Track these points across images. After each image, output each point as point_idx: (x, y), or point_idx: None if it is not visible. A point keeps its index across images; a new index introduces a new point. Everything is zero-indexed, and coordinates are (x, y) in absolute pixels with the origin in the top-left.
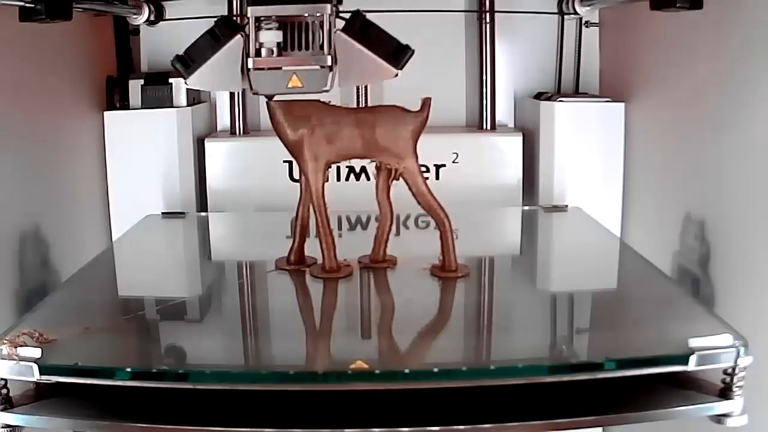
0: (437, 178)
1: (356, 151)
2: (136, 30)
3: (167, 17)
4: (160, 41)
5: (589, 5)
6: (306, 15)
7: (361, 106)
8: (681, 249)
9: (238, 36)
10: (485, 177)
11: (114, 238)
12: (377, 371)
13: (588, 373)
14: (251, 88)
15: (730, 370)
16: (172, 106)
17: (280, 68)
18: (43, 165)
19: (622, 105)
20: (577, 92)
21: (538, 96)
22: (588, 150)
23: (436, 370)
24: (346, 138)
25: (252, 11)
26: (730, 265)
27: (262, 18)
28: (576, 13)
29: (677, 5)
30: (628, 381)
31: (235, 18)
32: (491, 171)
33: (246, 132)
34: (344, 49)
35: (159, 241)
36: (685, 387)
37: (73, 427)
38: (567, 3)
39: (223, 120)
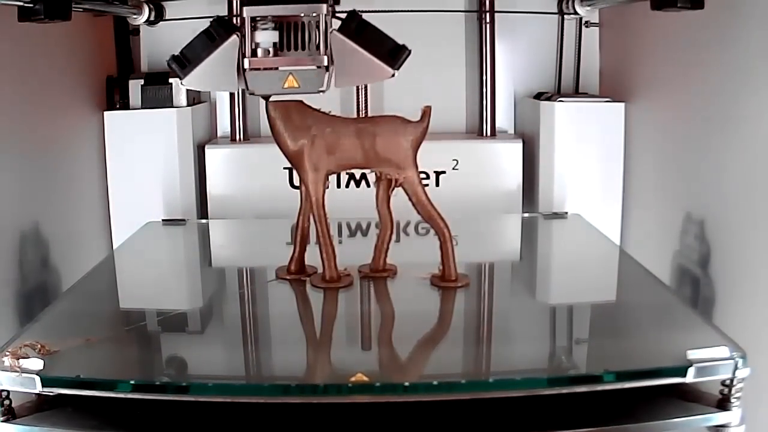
0: (437, 185)
1: (356, 162)
2: (136, 30)
3: (167, 17)
4: (160, 41)
5: (589, 5)
6: (302, 15)
7: (361, 109)
8: (681, 249)
9: (234, 36)
10: (485, 184)
11: (114, 238)
12: (377, 384)
13: (587, 386)
14: (247, 89)
15: (728, 382)
16: (172, 106)
17: (276, 68)
18: (43, 165)
19: (622, 105)
20: (577, 92)
21: (538, 96)
22: (588, 150)
23: (435, 383)
24: (346, 148)
25: (248, 11)
26: (730, 266)
27: (258, 18)
28: (576, 13)
29: (678, 5)
30: (627, 392)
31: (234, 18)
32: (491, 178)
33: (246, 138)
34: (340, 50)
35: (160, 249)
36: (684, 398)
37: None
38: (567, 3)
39: (224, 126)
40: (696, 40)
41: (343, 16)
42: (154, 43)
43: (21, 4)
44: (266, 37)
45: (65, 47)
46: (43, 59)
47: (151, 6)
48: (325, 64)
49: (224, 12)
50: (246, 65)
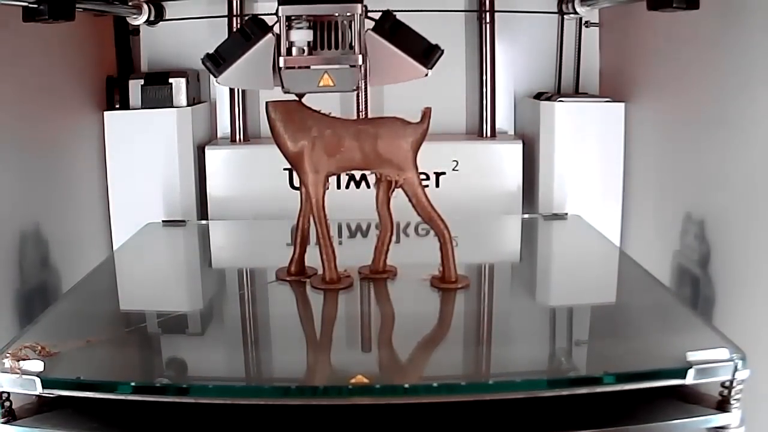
0: (437, 185)
1: (356, 163)
2: (136, 30)
3: (167, 17)
4: (160, 41)
5: (589, 5)
6: (336, 14)
7: (361, 110)
8: (681, 249)
9: (269, 35)
10: (485, 185)
11: (114, 239)
12: (377, 386)
13: (587, 387)
14: (282, 87)
15: (727, 383)
16: (172, 106)
17: (309, 67)
18: (43, 165)
19: (622, 105)
20: (577, 92)
21: (538, 96)
22: (588, 150)
23: (435, 384)
24: (346, 150)
25: (283, 10)
26: (730, 266)
27: (293, 17)
28: (576, 13)
29: (674, 5)
30: (627, 394)
31: (234, 18)
32: (491, 179)
33: (246, 139)
34: (375, 49)
35: (160, 250)
36: (684, 400)
37: None
38: (567, 3)
39: (224, 127)
40: (696, 40)
41: (377, 15)
42: (154, 43)
43: (25, 4)
44: (301, 36)
45: (65, 47)
46: (43, 59)
47: (151, 6)
48: (360, 63)
49: (224, 12)
50: (281, 64)
